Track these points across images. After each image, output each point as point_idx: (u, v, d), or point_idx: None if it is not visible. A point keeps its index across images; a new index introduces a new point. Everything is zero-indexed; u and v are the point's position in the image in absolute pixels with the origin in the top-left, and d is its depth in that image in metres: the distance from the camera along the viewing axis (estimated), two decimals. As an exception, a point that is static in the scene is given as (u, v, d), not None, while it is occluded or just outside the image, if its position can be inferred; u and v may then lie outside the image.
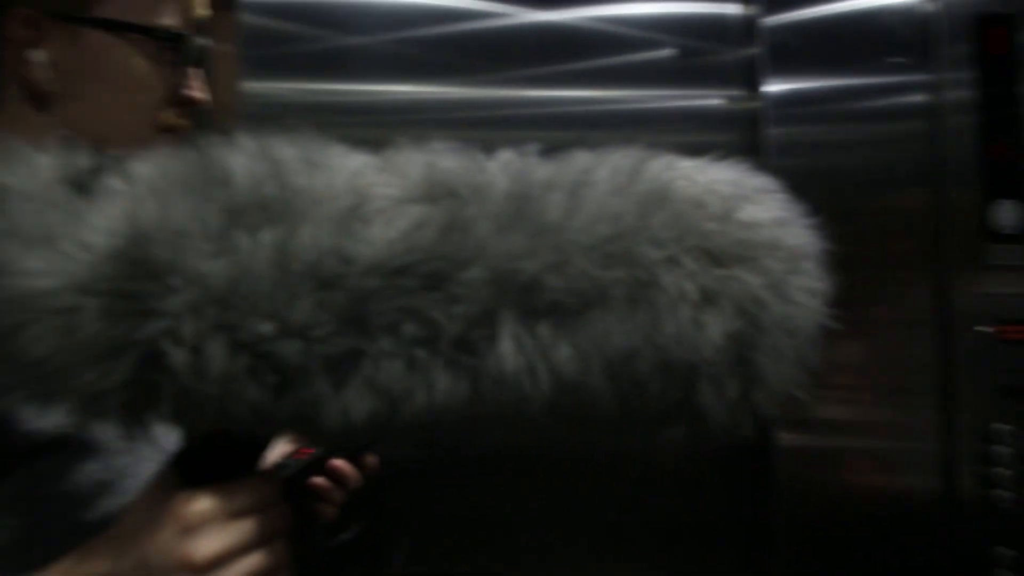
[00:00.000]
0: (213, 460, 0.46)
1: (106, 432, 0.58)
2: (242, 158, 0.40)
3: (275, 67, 1.44)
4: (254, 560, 0.45)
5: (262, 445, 0.49)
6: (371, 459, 0.77)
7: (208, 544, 0.43)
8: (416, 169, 0.42)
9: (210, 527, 0.43)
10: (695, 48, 1.31)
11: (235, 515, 0.44)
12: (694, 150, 0.46)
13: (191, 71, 0.72)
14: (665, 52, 1.31)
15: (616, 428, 0.44)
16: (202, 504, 0.44)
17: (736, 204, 0.43)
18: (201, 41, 0.72)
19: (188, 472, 0.45)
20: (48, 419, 0.55)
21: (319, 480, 0.73)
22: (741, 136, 1.25)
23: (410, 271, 0.38)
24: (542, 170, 0.43)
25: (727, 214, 0.42)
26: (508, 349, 0.39)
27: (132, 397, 0.38)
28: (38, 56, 0.64)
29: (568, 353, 0.39)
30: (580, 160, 0.44)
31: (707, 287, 0.40)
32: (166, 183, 0.39)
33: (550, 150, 0.44)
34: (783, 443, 1.16)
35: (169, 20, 0.69)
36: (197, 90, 0.72)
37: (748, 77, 1.23)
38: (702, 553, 1.23)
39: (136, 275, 0.37)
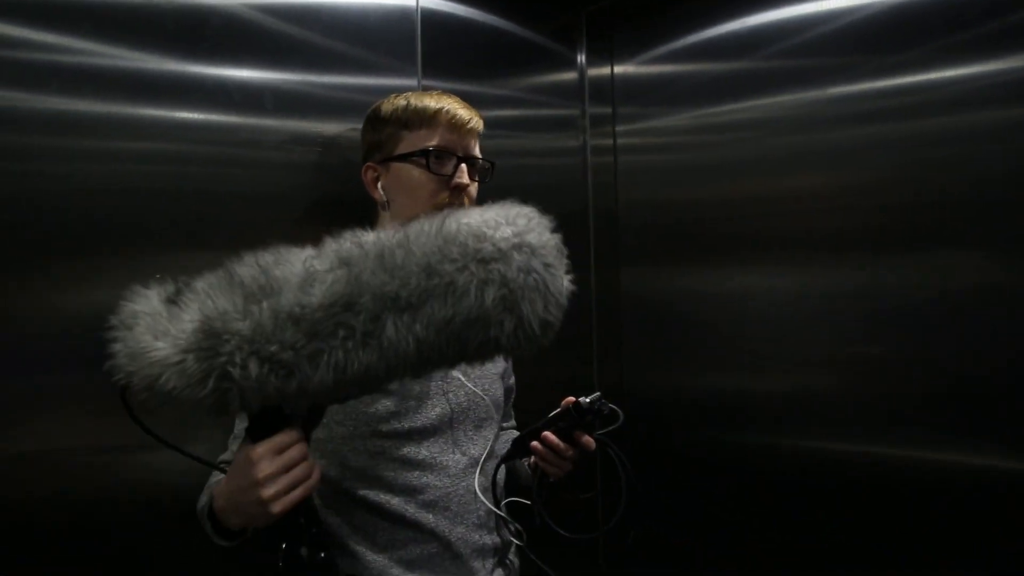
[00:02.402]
0: (263, 425, 0.83)
1: (400, 384, 1.04)
2: (246, 268, 0.76)
3: (670, 102, 1.83)
4: (288, 476, 0.82)
5: (287, 416, 0.84)
6: (583, 438, 1.14)
7: (263, 468, 0.81)
8: (332, 251, 0.76)
9: (263, 460, 0.81)
10: None
11: (275, 452, 0.82)
12: None
13: (458, 167, 1.16)
14: None
15: (457, 361, 0.78)
16: (258, 449, 0.82)
17: (495, 230, 0.75)
18: (461, 149, 1.17)
19: (254, 433, 0.83)
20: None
21: (534, 444, 1.15)
22: None
23: (336, 304, 0.73)
24: (394, 235, 0.76)
25: (490, 236, 0.75)
26: (390, 331, 0.73)
27: (217, 399, 0.72)
28: (380, 185, 1.20)
29: (419, 326, 0.73)
30: (415, 225, 0.77)
31: (483, 278, 0.73)
32: (212, 289, 0.75)
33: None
34: None
35: (433, 143, 1.16)
36: (459, 178, 1.16)
37: None
38: None
39: (207, 338, 0.72)
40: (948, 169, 1.40)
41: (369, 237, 0.78)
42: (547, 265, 0.76)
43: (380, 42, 1.44)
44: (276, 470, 0.81)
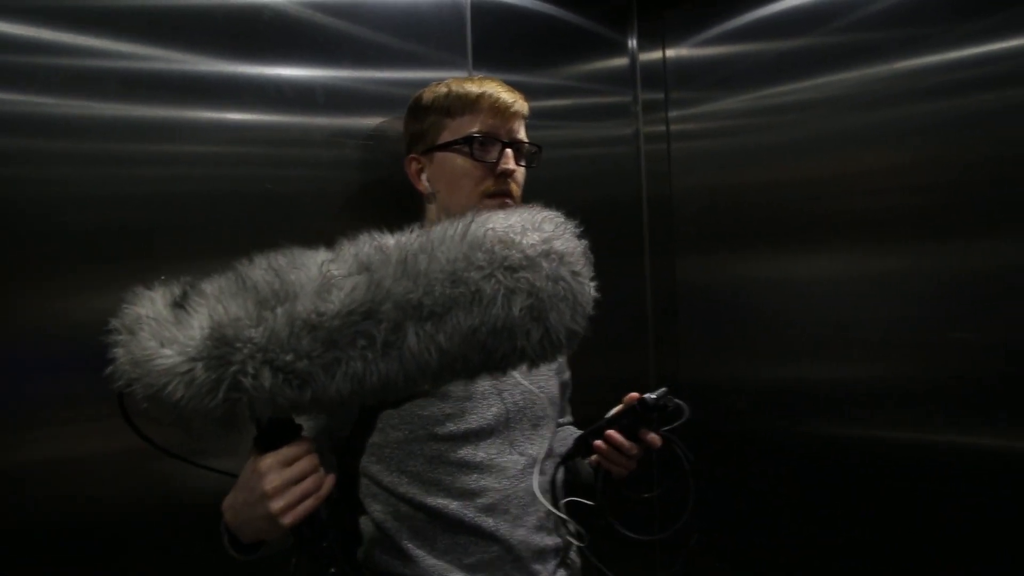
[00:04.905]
0: (272, 436, 0.78)
1: (456, 386, 1.03)
2: (258, 271, 0.71)
3: (726, 85, 1.74)
4: (297, 488, 0.76)
5: (296, 426, 0.80)
6: (649, 436, 1.07)
7: (271, 480, 0.76)
8: (350, 255, 0.71)
9: (271, 472, 0.76)
10: None
11: (283, 464, 0.76)
12: None
13: (503, 152, 1.09)
14: None
15: (480, 372, 0.73)
16: (266, 460, 0.76)
17: (523, 236, 0.71)
18: (506, 133, 1.10)
19: (261, 444, 0.78)
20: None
21: (598, 443, 1.09)
22: None
23: (355, 312, 0.68)
24: (416, 239, 0.72)
25: (517, 242, 0.71)
26: (412, 341, 0.68)
27: (227, 409, 0.67)
28: (424, 177, 1.13)
29: (442, 336, 0.69)
30: (438, 228, 0.73)
31: (510, 286, 0.69)
32: (222, 294, 0.69)
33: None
34: None
35: (476, 129, 1.08)
36: (505, 164, 1.09)
37: None
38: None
39: (218, 345, 0.66)
40: (1017, 145, 1.30)
41: (390, 241, 0.73)
42: (575, 273, 0.73)
43: (430, 34, 1.38)
44: (284, 482, 0.76)
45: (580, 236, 0.76)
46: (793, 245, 1.63)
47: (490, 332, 0.69)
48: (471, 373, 0.73)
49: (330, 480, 0.80)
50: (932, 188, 1.41)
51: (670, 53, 1.85)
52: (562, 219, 0.76)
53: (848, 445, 1.54)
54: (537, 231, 0.73)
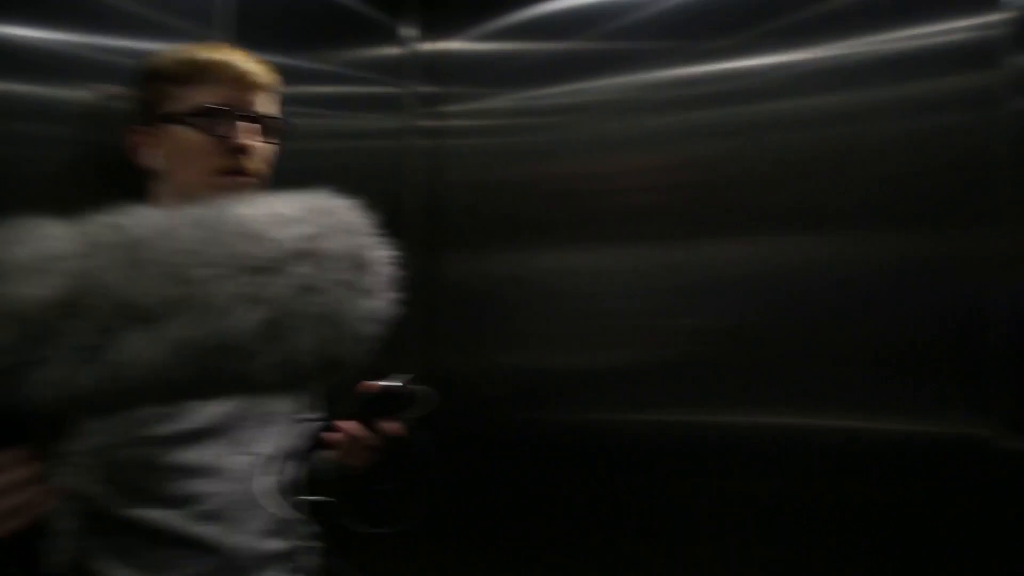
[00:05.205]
0: None
1: None
2: None
3: (497, 83, 1.72)
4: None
5: (21, 427, 0.64)
6: (389, 427, 1.00)
7: None
8: (80, 234, 0.58)
9: None
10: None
11: None
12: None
13: (239, 127, 0.97)
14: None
15: (206, 395, 0.60)
16: None
17: (280, 228, 0.57)
18: (245, 106, 0.98)
19: None
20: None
21: (333, 435, 1.00)
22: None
23: (60, 303, 0.54)
24: (154, 220, 0.59)
25: (265, 237, 0.57)
26: (120, 348, 0.55)
27: None
28: (151, 151, 0.99)
29: (157, 347, 0.55)
30: (183, 210, 0.59)
31: (247, 293, 0.55)
32: None
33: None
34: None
35: (209, 99, 0.96)
36: (241, 139, 0.97)
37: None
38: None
39: None
40: (756, 154, 1.47)
41: (131, 219, 0.59)
42: (342, 283, 0.58)
43: (186, 6, 1.23)
44: None
45: (380, 235, 0.62)
46: (555, 242, 1.69)
47: (213, 348, 0.55)
48: (195, 395, 0.62)
49: (51, 495, 0.66)
50: (672, 190, 1.56)
51: (446, 46, 1.83)
52: (349, 212, 0.61)
53: (608, 429, 1.64)
54: (305, 224, 0.58)
